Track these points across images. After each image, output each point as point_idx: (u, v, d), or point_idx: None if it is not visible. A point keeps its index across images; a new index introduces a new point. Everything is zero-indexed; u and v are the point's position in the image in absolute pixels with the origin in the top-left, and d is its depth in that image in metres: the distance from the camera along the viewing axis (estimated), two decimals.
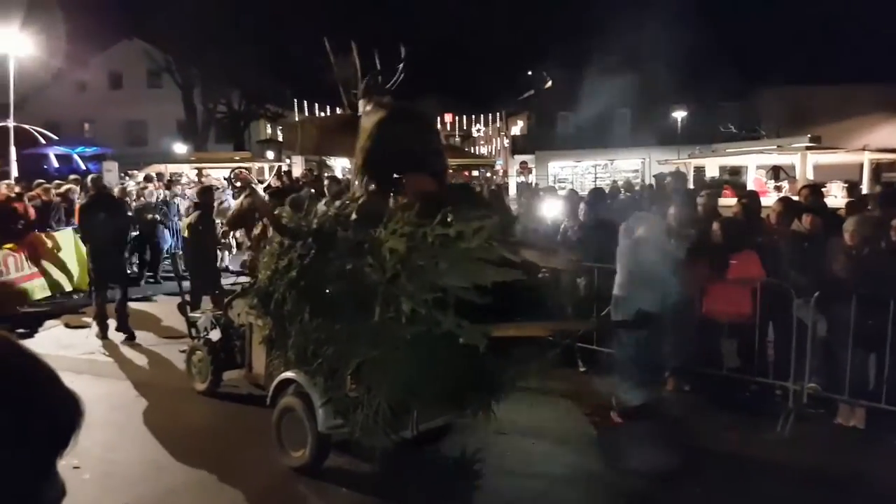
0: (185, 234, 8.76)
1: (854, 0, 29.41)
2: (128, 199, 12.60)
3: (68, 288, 11.12)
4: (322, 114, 28.00)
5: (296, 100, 31.48)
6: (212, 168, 22.85)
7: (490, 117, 38.67)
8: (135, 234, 11.86)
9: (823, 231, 6.29)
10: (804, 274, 5.85)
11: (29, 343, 0.74)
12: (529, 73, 35.35)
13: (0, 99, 17.74)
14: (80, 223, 9.15)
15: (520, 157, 33.07)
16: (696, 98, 28.26)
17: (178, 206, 13.92)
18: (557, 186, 20.18)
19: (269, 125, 37.26)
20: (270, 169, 21.89)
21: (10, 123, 17.45)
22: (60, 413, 0.68)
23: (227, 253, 13.07)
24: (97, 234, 8.55)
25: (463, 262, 3.78)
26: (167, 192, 14.78)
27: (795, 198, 8.08)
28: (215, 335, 6.54)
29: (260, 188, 14.11)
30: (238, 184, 15.58)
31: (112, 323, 8.55)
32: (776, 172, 15.64)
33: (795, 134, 17.47)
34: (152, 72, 34.14)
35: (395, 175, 4.93)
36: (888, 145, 18.88)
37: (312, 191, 9.34)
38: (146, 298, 11.03)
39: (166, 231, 12.95)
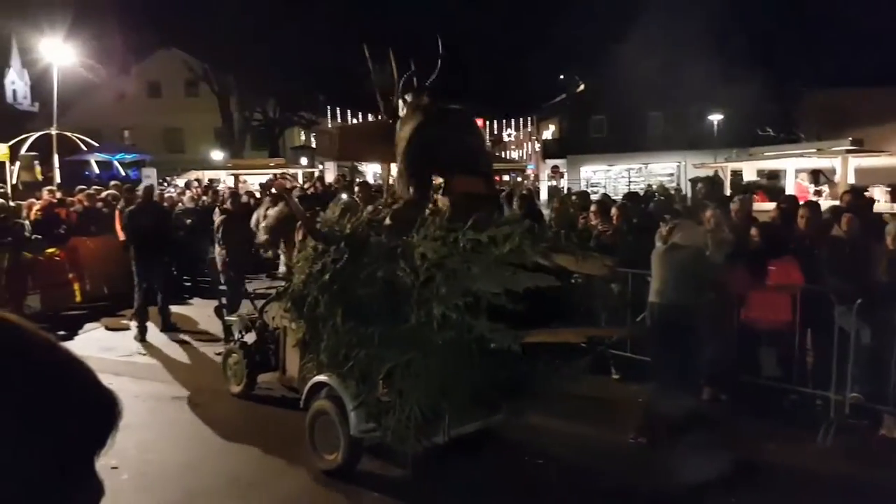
0: (219, 238, 8.91)
1: None
2: (166, 204, 12.83)
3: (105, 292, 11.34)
4: (354, 120, 28.31)
5: (328, 107, 31.87)
6: (248, 174, 23.24)
7: (521, 121, 38.58)
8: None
9: (865, 236, 6.11)
10: (846, 280, 5.69)
11: (69, 345, 0.75)
12: (561, 76, 35.21)
13: (44, 107, 18.27)
14: (127, 228, 9.37)
15: (551, 162, 32.91)
16: (732, 101, 27.80)
17: (215, 211, 14.10)
18: (590, 191, 20.03)
19: (302, 132, 37.72)
20: (305, 175, 22.13)
21: (54, 131, 17.97)
22: (97, 413, 0.68)
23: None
24: (144, 239, 8.87)
25: (495, 267, 3.77)
26: (205, 197, 15.03)
27: (835, 202, 7.88)
28: (250, 338, 6.63)
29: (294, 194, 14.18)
30: (273, 191, 15.73)
31: (151, 326, 8.81)
32: (815, 176, 15.25)
33: (835, 137, 17.04)
34: (189, 81, 34.80)
35: (439, 177, 4.93)
36: None
37: (356, 197, 9.32)
38: (184, 302, 11.23)
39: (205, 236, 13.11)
